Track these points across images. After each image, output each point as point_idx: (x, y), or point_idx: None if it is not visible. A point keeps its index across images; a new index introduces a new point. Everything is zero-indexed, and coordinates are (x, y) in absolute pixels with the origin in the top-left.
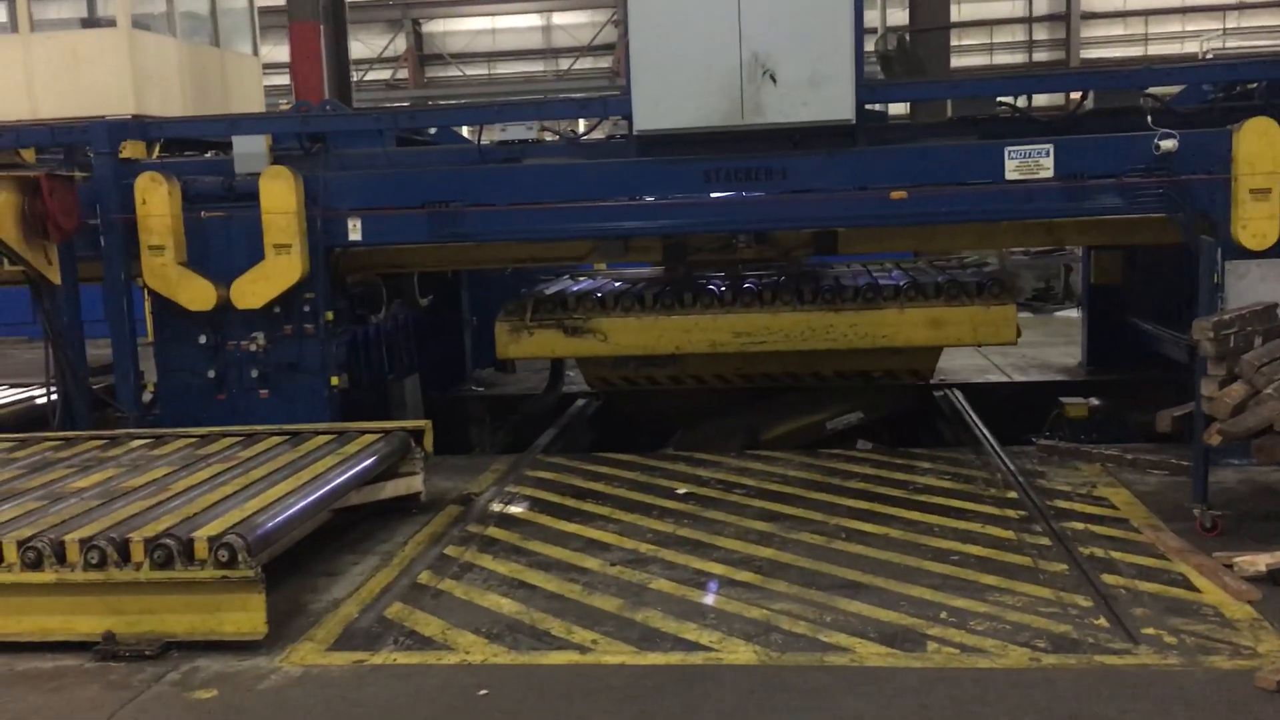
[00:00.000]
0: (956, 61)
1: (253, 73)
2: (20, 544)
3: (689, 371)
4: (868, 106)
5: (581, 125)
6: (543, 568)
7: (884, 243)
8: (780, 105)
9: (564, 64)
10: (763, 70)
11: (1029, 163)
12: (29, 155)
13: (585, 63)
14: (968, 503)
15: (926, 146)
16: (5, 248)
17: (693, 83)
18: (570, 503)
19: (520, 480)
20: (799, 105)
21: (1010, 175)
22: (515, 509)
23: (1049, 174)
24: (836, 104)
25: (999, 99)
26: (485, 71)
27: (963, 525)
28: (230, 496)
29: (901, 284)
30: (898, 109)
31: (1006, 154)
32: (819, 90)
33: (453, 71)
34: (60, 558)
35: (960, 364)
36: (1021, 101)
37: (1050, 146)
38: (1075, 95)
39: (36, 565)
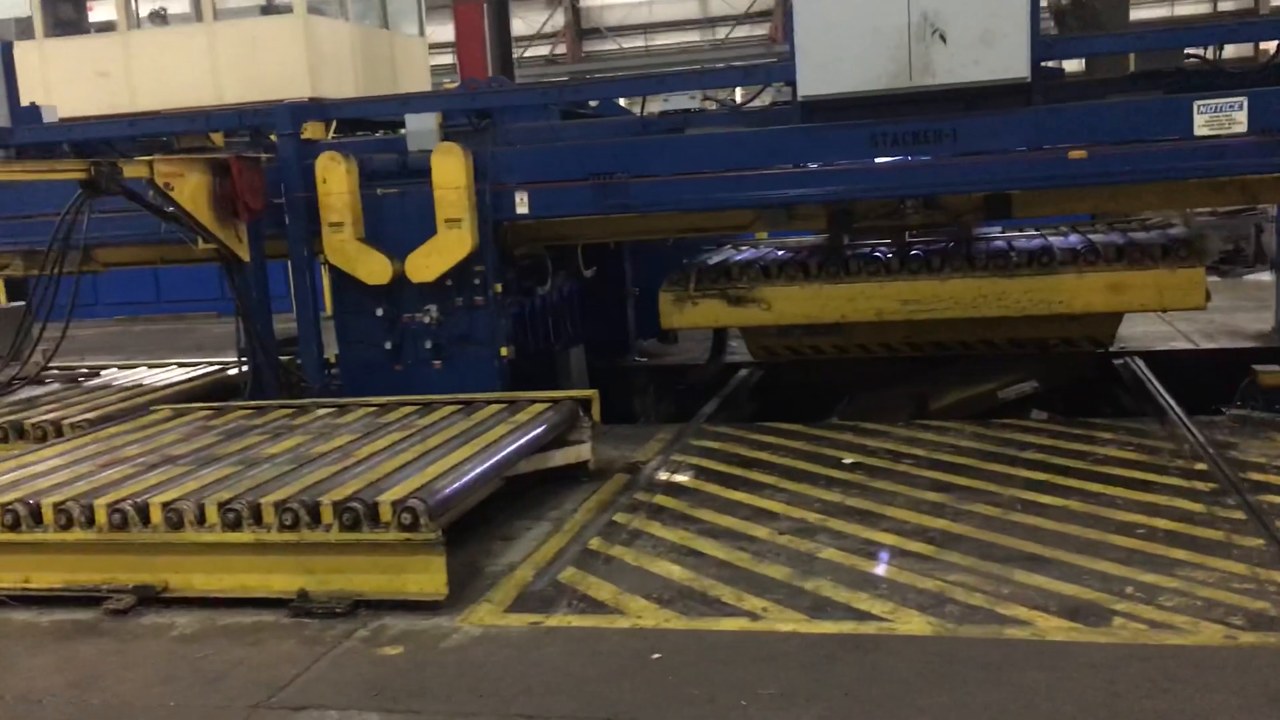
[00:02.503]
0: (1135, 14)
1: (420, 53)
2: (220, 506)
3: (855, 340)
4: (1043, 64)
5: (739, 94)
6: (711, 535)
7: (1061, 205)
8: (951, 65)
9: (720, 33)
10: (932, 29)
11: (1220, 117)
12: (217, 139)
13: (741, 31)
14: (1153, 474)
15: (1107, 103)
16: (200, 227)
17: (859, 45)
18: (736, 471)
19: (685, 449)
20: (970, 64)
21: (1200, 131)
22: (681, 477)
23: (1243, 129)
24: (1010, 62)
25: (1186, 51)
26: (642, 44)
27: (1148, 498)
28: (410, 463)
29: (1079, 247)
30: (1072, 66)
31: (1195, 108)
32: (991, 48)
33: (610, 45)
34: (257, 519)
35: (1142, 330)
36: (1210, 53)
37: (1244, 100)
38: (1268, 45)
39: (236, 526)
